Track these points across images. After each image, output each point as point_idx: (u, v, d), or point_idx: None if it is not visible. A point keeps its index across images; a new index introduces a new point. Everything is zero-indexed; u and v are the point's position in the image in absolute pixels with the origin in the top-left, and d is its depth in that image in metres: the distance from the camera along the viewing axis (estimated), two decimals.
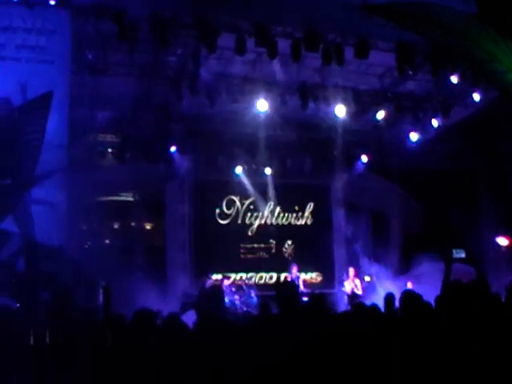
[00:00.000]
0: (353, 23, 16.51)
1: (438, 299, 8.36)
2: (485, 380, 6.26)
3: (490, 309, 7.27)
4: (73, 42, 14.77)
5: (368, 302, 10.03)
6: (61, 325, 9.23)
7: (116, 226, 22.52)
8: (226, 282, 20.53)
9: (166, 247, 22.62)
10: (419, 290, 10.11)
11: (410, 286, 18.80)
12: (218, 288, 13.74)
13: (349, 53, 17.34)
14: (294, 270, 21.23)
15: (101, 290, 14.92)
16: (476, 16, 13.25)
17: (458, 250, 6.80)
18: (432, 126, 22.46)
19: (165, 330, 8.35)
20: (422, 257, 20.82)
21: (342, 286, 20.99)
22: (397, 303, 9.50)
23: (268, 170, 23.77)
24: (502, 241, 22.00)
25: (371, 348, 6.83)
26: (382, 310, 9.91)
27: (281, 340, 6.56)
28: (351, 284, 20.65)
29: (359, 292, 20.52)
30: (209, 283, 19.63)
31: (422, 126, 22.82)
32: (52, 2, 14.32)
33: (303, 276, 22.20)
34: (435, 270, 9.66)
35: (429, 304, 8.92)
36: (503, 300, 8.53)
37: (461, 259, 6.97)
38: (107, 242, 21.36)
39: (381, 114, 21.57)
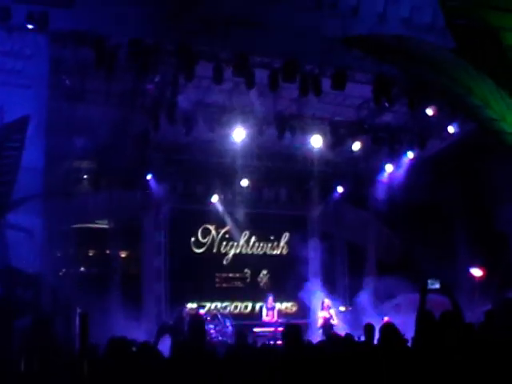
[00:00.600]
0: (331, 55, 16.66)
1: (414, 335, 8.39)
2: None
3: (464, 339, 7.30)
4: (50, 67, 14.78)
5: (342, 332, 10.08)
6: (37, 353, 9.18)
7: (91, 253, 22.42)
8: (202, 311, 20.49)
9: (141, 275, 22.50)
10: (396, 321, 10.18)
11: (386, 319, 18.79)
12: (199, 316, 13.67)
13: (326, 84, 17.44)
14: (270, 300, 21.23)
15: (78, 318, 14.84)
16: (453, 51, 13.43)
17: (433, 281, 6.85)
18: (408, 157, 22.64)
19: (139, 358, 8.32)
20: (398, 288, 20.89)
21: (317, 316, 20.98)
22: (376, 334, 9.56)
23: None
24: (476, 272, 22.07)
25: (346, 377, 6.87)
26: (360, 339, 9.96)
27: (257, 368, 6.58)
28: (326, 314, 20.63)
29: (334, 322, 20.50)
30: (185, 311, 19.60)
31: (398, 158, 22.97)
32: (30, 27, 14.28)
33: (278, 306, 22.17)
34: (411, 301, 9.70)
35: (404, 339, 8.99)
36: (477, 330, 8.59)
37: (435, 290, 7.02)
38: (82, 269, 21.23)
39: (356, 146, 21.70)
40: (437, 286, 7.60)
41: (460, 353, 6.76)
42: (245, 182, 23.10)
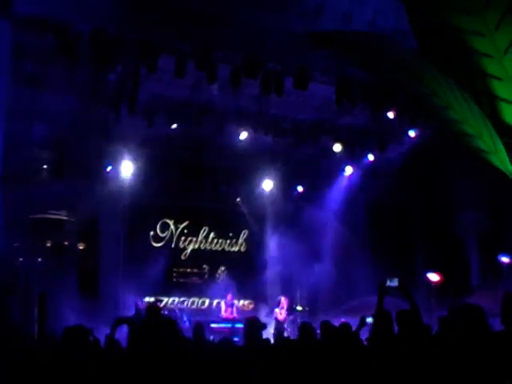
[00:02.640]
0: (294, 54, 16.75)
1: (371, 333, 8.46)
2: None
3: (422, 339, 7.38)
4: (12, 52, 14.64)
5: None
6: None
7: (49, 244, 22.20)
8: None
9: (99, 267, 22.34)
10: (353, 323, 10.30)
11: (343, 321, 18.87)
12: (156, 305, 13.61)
13: (288, 83, 17.51)
14: (229, 296, 21.28)
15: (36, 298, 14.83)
16: (418, 51, 13.56)
17: (392, 279, 6.89)
18: (368, 160, 22.82)
19: (96, 347, 8.33)
20: (357, 290, 21.03)
21: (273, 314, 21.04)
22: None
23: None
24: (433, 276, 22.25)
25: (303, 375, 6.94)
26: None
27: (211, 363, 6.63)
28: (282, 312, 20.72)
29: (281, 317, 20.57)
30: (143, 302, 19.68)
31: (358, 160, 23.14)
32: None
33: (235, 303, 22.20)
34: (369, 304, 9.76)
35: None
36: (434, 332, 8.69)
37: (394, 288, 7.05)
38: (40, 259, 21.05)
39: (337, 147, 21.87)
40: (395, 283, 7.64)
41: (416, 352, 6.85)
42: (216, 178, 23.17)
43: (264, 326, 8.75)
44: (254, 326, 8.30)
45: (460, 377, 6.28)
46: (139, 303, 19.63)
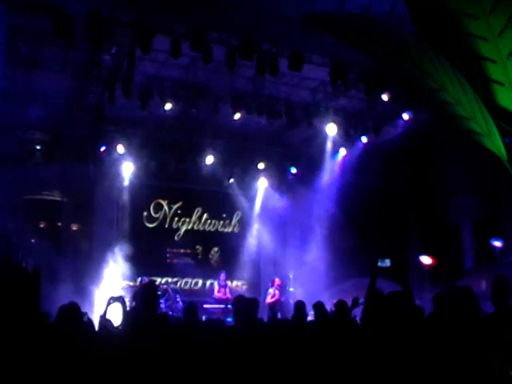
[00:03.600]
0: (289, 35, 16.73)
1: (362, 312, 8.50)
2: None
3: (413, 320, 7.42)
4: (7, 34, 14.61)
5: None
6: None
7: (42, 225, 22.22)
8: None
9: (93, 249, 22.36)
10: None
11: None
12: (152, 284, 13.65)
13: (283, 64, 17.51)
14: (222, 276, 21.35)
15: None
16: (413, 34, 13.58)
17: (383, 260, 6.89)
18: (362, 142, 22.85)
19: (91, 327, 8.38)
20: (349, 271, 21.11)
21: (266, 294, 21.13)
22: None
23: None
24: (426, 259, 22.34)
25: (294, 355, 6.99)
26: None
27: (205, 344, 6.68)
28: (276, 292, 20.81)
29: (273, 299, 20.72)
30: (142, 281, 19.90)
31: (352, 142, 23.16)
32: None
33: (229, 283, 22.28)
34: (361, 285, 9.83)
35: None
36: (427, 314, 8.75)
37: (386, 268, 7.06)
38: (33, 240, 21.06)
39: (331, 130, 21.91)
40: (387, 263, 7.64)
41: (407, 333, 6.90)
42: (210, 159, 23.27)
43: (256, 303, 8.82)
44: (248, 305, 8.37)
45: (450, 358, 6.35)
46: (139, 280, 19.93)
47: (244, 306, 8.12)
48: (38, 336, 7.70)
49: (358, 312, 9.64)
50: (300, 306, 10.20)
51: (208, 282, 23.76)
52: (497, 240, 21.60)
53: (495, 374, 6.09)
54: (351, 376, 6.82)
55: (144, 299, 7.94)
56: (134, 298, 17.87)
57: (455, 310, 6.67)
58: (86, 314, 9.27)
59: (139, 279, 20.49)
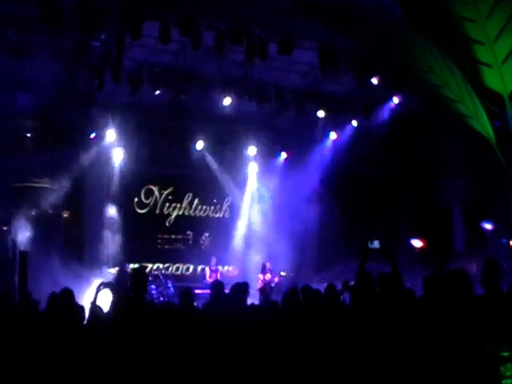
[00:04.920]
0: (278, 20, 16.73)
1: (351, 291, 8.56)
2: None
3: (403, 301, 7.47)
4: None
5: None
6: None
7: (33, 212, 22.16)
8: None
9: (84, 235, 22.36)
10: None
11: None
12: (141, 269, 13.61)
13: (273, 49, 17.53)
14: (213, 261, 21.40)
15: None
16: (402, 18, 13.64)
17: (373, 242, 6.89)
18: (352, 126, 22.90)
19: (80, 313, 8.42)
20: (340, 255, 21.15)
21: (256, 279, 21.19)
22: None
23: None
24: (416, 243, 22.40)
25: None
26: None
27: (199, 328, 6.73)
28: (266, 277, 20.87)
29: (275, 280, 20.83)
30: (127, 267, 19.85)
31: (342, 126, 23.20)
32: None
33: (219, 268, 22.33)
34: (352, 268, 9.88)
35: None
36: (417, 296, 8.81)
37: (375, 250, 7.08)
38: (23, 228, 21.02)
39: (321, 114, 21.94)
40: (376, 245, 7.70)
41: (398, 315, 6.95)
42: (200, 144, 23.31)
43: (246, 286, 8.90)
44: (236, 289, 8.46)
45: (441, 339, 6.42)
46: (124, 266, 19.88)
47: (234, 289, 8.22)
48: (28, 323, 7.75)
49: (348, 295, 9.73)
50: (293, 290, 10.27)
51: (199, 268, 23.80)
52: (487, 223, 21.67)
53: (485, 355, 6.17)
54: (342, 358, 6.88)
55: (133, 285, 7.98)
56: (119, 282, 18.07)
57: (449, 291, 6.73)
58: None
59: (117, 268, 20.49)
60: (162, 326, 6.87)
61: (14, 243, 18.09)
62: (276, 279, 21.19)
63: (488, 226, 21.65)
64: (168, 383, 6.41)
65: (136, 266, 21.23)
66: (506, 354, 6.19)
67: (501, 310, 6.56)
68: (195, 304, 10.40)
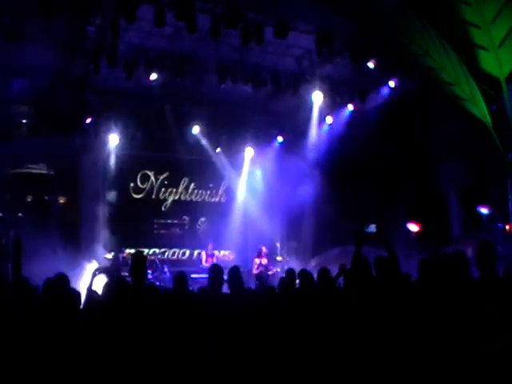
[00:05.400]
0: (274, 3, 16.65)
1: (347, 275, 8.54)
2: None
3: (400, 285, 7.46)
4: None
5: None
6: None
7: (29, 198, 22.15)
8: None
9: (80, 221, 22.32)
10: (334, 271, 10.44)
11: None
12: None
13: (269, 33, 17.46)
14: (210, 246, 21.42)
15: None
16: (399, 0, 13.57)
17: (369, 225, 6.86)
18: (348, 110, 22.88)
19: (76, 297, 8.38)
20: (336, 239, 21.15)
21: (253, 264, 21.23)
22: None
23: None
24: (413, 227, 22.39)
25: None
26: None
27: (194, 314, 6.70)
28: (263, 261, 20.91)
29: (272, 270, 20.87)
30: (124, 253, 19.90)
31: (339, 110, 23.17)
32: None
33: (216, 253, 22.37)
34: (349, 252, 9.87)
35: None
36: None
37: (371, 234, 7.05)
38: (20, 214, 21.02)
39: (317, 97, 21.92)
40: (373, 229, 7.66)
41: (394, 298, 6.94)
42: (196, 129, 23.30)
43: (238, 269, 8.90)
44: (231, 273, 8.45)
45: (436, 322, 6.41)
46: (120, 251, 19.94)
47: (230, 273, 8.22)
48: (24, 308, 7.72)
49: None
50: (290, 274, 10.28)
51: (195, 252, 23.86)
52: (483, 207, 21.65)
53: (482, 339, 6.16)
54: (338, 343, 6.86)
55: (132, 269, 7.97)
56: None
57: (446, 274, 6.72)
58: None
59: (112, 253, 20.57)
60: (161, 312, 6.84)
61: (9, 229, 18.03)
62: (273, 270, 21.28)
63: (484, 211, 21.64)
64: (164, 367, 6.40)
65: (132, 251, 21.28)
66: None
67: (497, 293, 6.54)
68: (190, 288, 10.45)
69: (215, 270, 8.70)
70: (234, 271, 8.89)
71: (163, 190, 24.40)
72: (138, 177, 23.90)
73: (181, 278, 9.59)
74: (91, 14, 16.20)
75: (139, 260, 8.19)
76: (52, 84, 19.60)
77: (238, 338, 6.64)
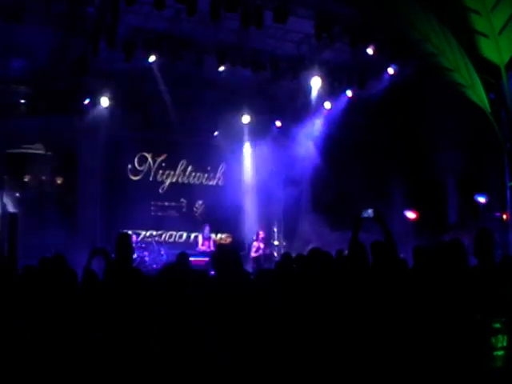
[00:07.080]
0: None
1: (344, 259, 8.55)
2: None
3: (397, 271, 7.46)
4: None
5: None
6: None
7: (26, 178, 22.11)
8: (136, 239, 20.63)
9: (77, 202, 22.30)
10: None
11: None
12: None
13: (268, 17, 17.43)
14: (207, 229, 21.43)
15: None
16: None
17: (366, 210, 6.80)
18: (347, 96, 22.87)
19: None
20: (333, 224, 21.17)
21: (251, 247, 21.26)
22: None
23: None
24: (410, 214, 22.43)
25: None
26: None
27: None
28: (260, 245, 20.95)
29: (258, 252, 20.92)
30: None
31: (337, 96, 23.15)
32: None
33: (213, 236, 22.39)
34: (345, 237, 9.87)
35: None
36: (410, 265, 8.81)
37: (369, 218, 7.02)
38: (17, 194, 21.01)
39: (316, 83, 21.90)
40: (370, 214, 7.57)
41: (391, 284, 6.94)
42: (195, 111, 23.21)
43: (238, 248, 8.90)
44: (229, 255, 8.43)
45: (432, 309, 6.42)
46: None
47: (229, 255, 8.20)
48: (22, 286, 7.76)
49: None
50: (287, 257, 10.29)
51: (192, 235, 23.84)
52: (481, 196, 21.69)
53: (477, 326, 6.18)
54: (334, 328, 6.87)
55: (118, 252, 7.97)
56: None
57: (443, 261, 6.73)
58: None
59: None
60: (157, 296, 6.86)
61: (5, 208, 18.06)
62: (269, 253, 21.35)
63: (482, 200, 21.67)
64: (162, 356, 6.43)
65: (129, 232, 21.29)
66: (497, 325, 6.20)
67: (493, 281, 6.56)
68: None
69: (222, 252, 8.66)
70: (233, 254, 8.88)
71: (161, 172, 24.35)
72: (136, 159, 23.85)
73: (183, 257, 9.68)
74: None
75: (123, 241, 8.17)
76: (51, 64, 19.56)
77: (237, 325, 6.65)
